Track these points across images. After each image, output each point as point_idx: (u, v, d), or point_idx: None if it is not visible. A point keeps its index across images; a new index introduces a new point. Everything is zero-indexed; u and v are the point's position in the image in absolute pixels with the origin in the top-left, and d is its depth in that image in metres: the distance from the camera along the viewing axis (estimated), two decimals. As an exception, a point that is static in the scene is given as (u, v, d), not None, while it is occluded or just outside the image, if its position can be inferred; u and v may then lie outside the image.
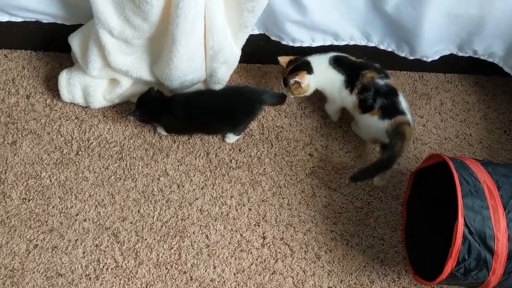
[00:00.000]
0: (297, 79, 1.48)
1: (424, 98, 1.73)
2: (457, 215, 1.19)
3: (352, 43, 1.60)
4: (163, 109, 1.50)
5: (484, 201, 1.21)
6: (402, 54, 1.63)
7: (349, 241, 1.49)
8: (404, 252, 1.46)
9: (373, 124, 1.46)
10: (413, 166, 1.60)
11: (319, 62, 1.52)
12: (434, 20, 1.48)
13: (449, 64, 1.71)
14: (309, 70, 1.50)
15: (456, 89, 1.76)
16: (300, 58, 1.53)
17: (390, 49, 1.63)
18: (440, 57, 1.65)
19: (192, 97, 1.53)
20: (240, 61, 1.55)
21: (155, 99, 1.52)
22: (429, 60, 1.64)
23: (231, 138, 1.59)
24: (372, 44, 1.62)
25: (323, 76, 1.52)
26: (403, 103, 1.47)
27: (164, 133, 1.57)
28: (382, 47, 1.62)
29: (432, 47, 1.60)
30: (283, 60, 1.53)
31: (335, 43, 1.60)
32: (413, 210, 1.48)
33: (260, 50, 1.62)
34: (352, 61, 1.52)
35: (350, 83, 1.49)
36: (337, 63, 1.51)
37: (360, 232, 1.50)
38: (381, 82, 1.46)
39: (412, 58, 1.64)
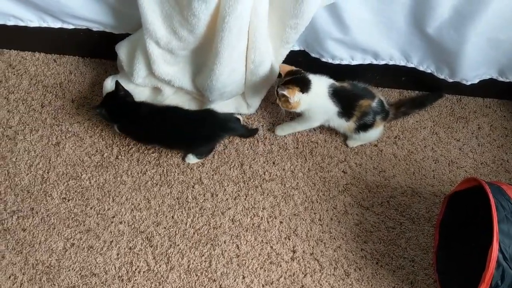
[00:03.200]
0: (285, 93, 1.41)
1: (461, 121, 1.72)
2: (492, 240, 1.17)
3: (391, 63, 1.61)
4: (127, 112, 1.51)
5: (520, 227, 1.20)
6: (442, 76, 1.63)
7: (379, 261, 1.49)
8: (435, 276, 1.45)
9: (379, 130, 1.60)
10: (448, 189, 1.59)
11: (319, 85, 1.48)
12: (475, 44, 1.48)
13: (488, 88, 1.70)
14: (305, 89, 1.44)
15: (494, 114, 1.74)
16: (301, 72, 1.47)
17: (429, 71, 1.63)
18: (480, 81, 1.65)
19: (158, 110, 1.54)
20: (278, 76, 1.58)
21: (122, 101, 1.52)
22: (469, 83, 1.64)
23: (191, 159, 1.58)
24: (412, 65, 1.62)
25: (317, 100, 1.49)
26: (383, 99, 1.57)
27: (117, 131, 1.58)
28: (421, 68, 1.63)
29: (472, 71, 1.59)
30: (283, 68, 1.47)
31: (374, 62, 1.61)
32: (446, 233, 1.47)
33: (299, 66, 1.63)
34: (344, 90, 1.51)
35: (346, 113, 1.52)
36: (333, 94, 1.49)
37: (391, 252, 1.50)
38: (374, 104, 1.52)
39: (451, 80, 1.63)
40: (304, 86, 1.45)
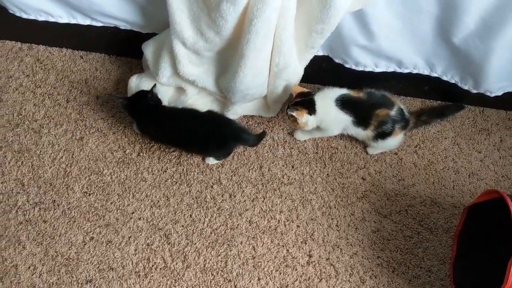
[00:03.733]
0: (294, 114, 1.49)
1: (483, 133, 1.71)
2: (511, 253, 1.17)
3: (415, 71, 1.61)
4: (147, 113, 1.53)
5: (541, 241, 1.19)
6: (465, 87, 1.62)
7: (396, 269, 1.48)
8: (452, 287, 1.43)
9: (398, 139, 1.58)
10: (467, 200, 1.58)
11: (324, 103, 1.51)
12: (501, 56, 1.46)
13: (512, 101, 1.69)
14: (311, 111, 1.50)
15: (517, 127, 1.73)
16: (311, 93, 1.52)
17: (453, 81, 1.62)
18: (504, 93, 1.63)
19: (178, 113, 1.56)
20: (301, 81, 1.59)
21: (147, 102, 1.53)
22: (493, 95, 1.63)
23: (211, 160, 1.60)
24: (435, 75, 1.61)
25: (327, 116, 1.52)
26: (403, 108, 1.56)
27: (138, 131, 1.62)
28: (445, 78, 1.62)
29: (497, 83, 1.58)
30: (295, 89, 1.53)
31: (398, 70, 1.60)
32: (464, 244, 1.45)
33: (322, 71, 1.65)
34: (359, 101, 1.52)
35: (362, 122, 1.52)
36: (344, 105, 1.51)
37: (407, 261, 1.49)
38: (393, 113, 1.52)
39: (475, 91, 1.62)
40: (311, 108, 1.51)
